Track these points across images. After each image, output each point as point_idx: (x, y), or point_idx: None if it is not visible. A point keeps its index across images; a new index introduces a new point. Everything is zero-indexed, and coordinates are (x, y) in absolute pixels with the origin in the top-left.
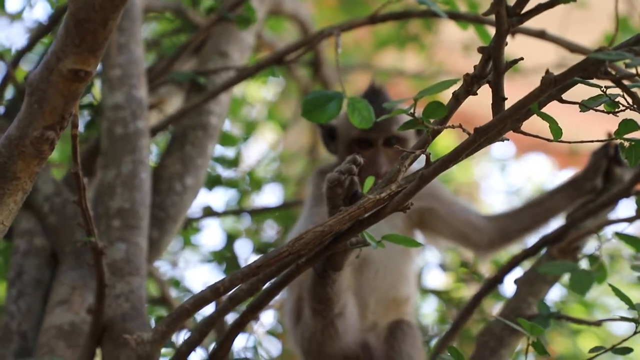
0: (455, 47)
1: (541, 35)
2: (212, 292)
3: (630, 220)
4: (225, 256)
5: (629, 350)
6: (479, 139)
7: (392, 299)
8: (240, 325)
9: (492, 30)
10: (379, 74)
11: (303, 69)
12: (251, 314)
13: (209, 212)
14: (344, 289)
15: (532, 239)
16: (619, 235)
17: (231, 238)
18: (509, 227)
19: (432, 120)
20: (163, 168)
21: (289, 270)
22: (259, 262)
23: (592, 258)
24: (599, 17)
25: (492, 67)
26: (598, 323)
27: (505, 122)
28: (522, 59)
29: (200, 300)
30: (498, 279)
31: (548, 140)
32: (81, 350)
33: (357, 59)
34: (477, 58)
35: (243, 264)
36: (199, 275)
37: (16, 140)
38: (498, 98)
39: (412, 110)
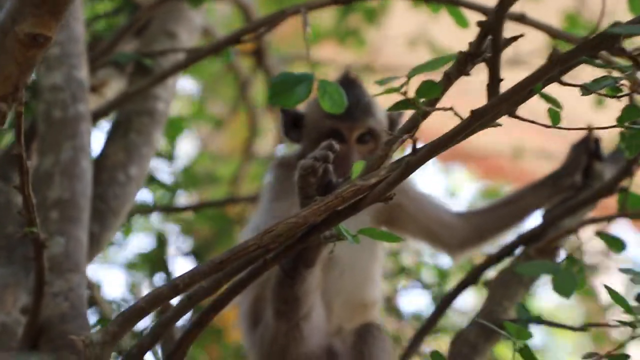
0: (400, 42)
1: (521, 19)
2: (170, 289)
3: (610, 218)
4: (152, 258)
5: (625, 357)
6: (474, 122)
7: (359, 301)
8: (199, 326)
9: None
10: (318, 66)
11: (243, 59)
12: (211, 314)
13: (141, 208)
14: (313, 288)
15: (506, 238)
16: (601, 235)
17: (161, 239)
18: (482, 225)
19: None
20: (105, 157)
21: (255, 266)
22: (223, 257)
23: (571, 259)
24: (550, 13)
25: (491, 43)
26: (583, 328)
27: (503, 104)
28: (522, 35)
29: (157, 297)
30: (470, 280)
31: (546, 126)
32: (14, 353)
33: (296, 50)
34: (423, 54)
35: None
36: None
37: None
38: (494, 79)
39: (404, 89)
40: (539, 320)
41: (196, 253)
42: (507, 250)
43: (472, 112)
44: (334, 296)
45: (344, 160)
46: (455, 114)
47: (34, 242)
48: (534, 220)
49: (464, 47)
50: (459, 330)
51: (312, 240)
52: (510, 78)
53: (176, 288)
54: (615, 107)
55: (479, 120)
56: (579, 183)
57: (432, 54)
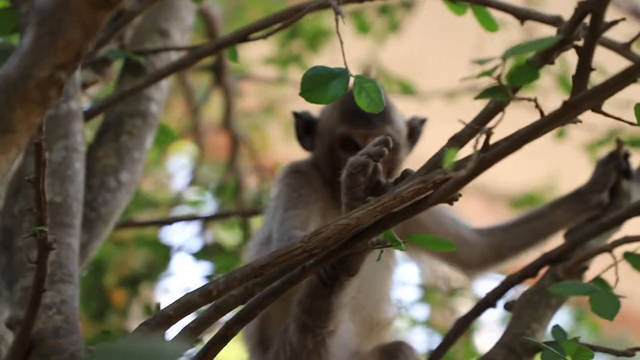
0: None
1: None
2: (203, 296)
3: None
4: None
5: None
6: (567, 112)
7: (376, 320)
8: (224, 339)
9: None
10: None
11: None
12: (237, 326)
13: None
14: (348, 300)
15: (528, 257)
16: (629, 257)
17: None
18: (503, 243)
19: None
20: (95, 160)
21: (293, 273)
22: (265, 261)
23: (601, 280)
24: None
25: (589, 25)
26: (631, 352)
27: (599, 95)
28: (624, 19)
29: (187, 305)
30: (490, 301)
31: (631, 123)
32: None
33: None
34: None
35: None
36: None
37: (16, 82)
38: (585, 67)
39: (497, 73)
40: (580, 343)
41: (132, 281)
42: (531, 271)
43: (565, 102)
44: (351, 314)
45: None
46: (537, 106)
47: (40, 244)
48: (557, 239)
49: (409, 73)
50: (484, 354)
51: (360, 246)
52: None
53: (209, 295)
54: None
55: (571, 110)
56: (606, 201)
57: (383, 79)
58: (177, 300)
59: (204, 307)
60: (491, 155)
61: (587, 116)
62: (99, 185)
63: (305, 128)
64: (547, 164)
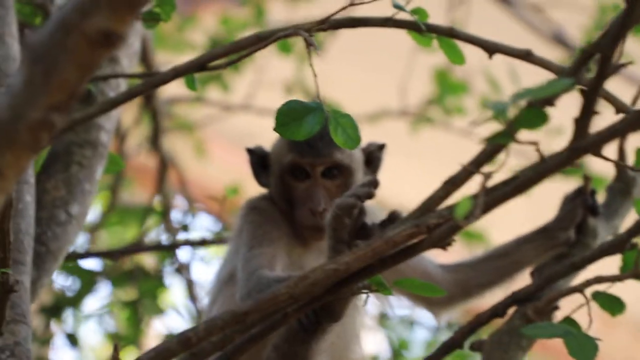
0: (277, 86)
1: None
2: (181, 343)
3: (619, 278)
4: None
5: None
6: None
7: None
8: None
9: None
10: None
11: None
12: None
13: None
14: (327, 346)
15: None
16: (598, 297)
17: None
18: (470, 280)
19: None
20: (44, 192)
21: (274, 319)
22: (248, 307)
23: (571, 320)
24: None
25: (597, 68)
26: None
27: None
28: (631, 63)
29: (164, 353)
30: (457, 341)
31: (631, 168)
32: None
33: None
34: None
35: None
36: None
37: (6, 125)
38: (589, 110)
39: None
40: None
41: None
42: (500, 310)
43: (572, 148)
44: (323, 356)
45: (308, 198)
46: (538, 150)
47: (1, 286)
48: (523, 276)
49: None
50: None
51: (345, 292)
52: None
53: (188, 342)
54: None
55: (578, 157)
56: (573, 239)
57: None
58: (154, 348)
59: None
60: (492, 200)
61: None
62: (48, 218)
63: (260, 163)
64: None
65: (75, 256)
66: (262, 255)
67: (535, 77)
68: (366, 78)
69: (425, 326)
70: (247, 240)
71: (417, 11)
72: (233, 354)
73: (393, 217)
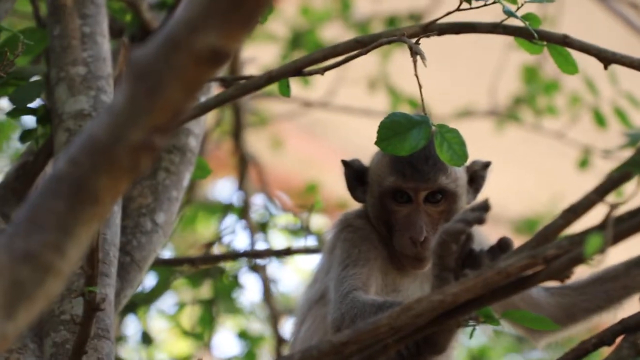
0: (360, 82)
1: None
2: None
3: None
4: None
5: None
6: None
7: None
8: None
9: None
10: None
11: None
12: None
13: None
14: None
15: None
16: None
17: None
18: (575, 305)
19: None
20: (129, 199)
21: (374, 350)
22: (346, 338)
23: None
24: None
25: None
26: None
27: None
28: None
29: None
30: None
31: None
32: None
33: None
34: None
35: None
36: None
37: (104, 145)
38: None
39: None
40: None
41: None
42: (608, 338)
43: None
44: None
45: (410, 225)
46: None
47: (87, 305)
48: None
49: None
50: None
51: (452, 324)
52: None
53: None
54: None
55: None
56: None
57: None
58: None
59: None
60: (618, 233)
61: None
62: (134, 227)
63: (356, 177)
64: (549, 185)
65: (155, 262)
66: (357, 276)
67: (635, 77)
68: (454, 76)
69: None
70: (341, 259)
71: (528, 17)
72: None
73: (504, 245)
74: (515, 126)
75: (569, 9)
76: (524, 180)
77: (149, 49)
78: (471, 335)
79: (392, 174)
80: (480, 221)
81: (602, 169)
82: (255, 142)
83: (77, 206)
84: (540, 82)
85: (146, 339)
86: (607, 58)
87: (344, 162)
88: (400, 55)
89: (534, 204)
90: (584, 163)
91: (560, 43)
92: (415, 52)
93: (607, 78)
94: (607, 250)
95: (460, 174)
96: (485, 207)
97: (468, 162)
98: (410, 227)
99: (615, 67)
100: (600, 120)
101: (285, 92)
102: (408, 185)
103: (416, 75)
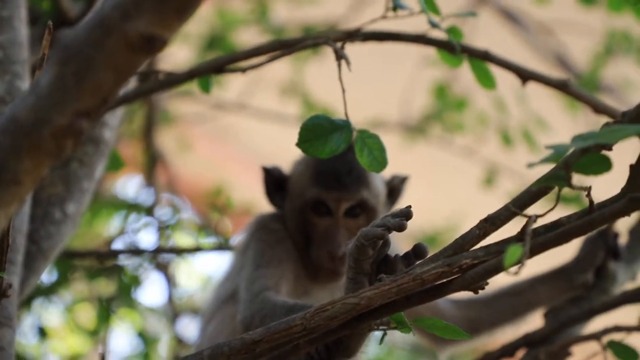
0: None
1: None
2: None
3: (637, 329)
4: None
5: None
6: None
7: None
8: None
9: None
10: None
11: None
12: None
13: None
14: None
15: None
16: (614, 346)
17: None
18: (480, 318)
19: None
20: (40, 188)
21: (283, 350)
22: (259, 336)
23: None
24: None
25: None
26: None
27: None
28: None
29: None
30: None
31: None
32: None
33: None
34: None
35: None
36: None
37: (28, 127)
38: None
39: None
40: None
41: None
42: (509, 350)
43: (631, 198)
44: None
45: (329, 239)
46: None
47: None
48: (536, 318)
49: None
50: None
51: (364, 327)
52: None
53: None
54: None
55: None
56: (591, 282)
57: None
58: None
59: None
60: (534, 246)
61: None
62: (43, 216)
63: (275, 184)
64: (449, 200)
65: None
66: (269, 277)
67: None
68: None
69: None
70: (253, 258)
71: (451, 30)
72: None
73: (419, 252)
74: (423, 141)
75: (482, 29)
76: (427, 194)
77: (78, 32)
78: (381, 341)
79: (315, 185)
80: (401, 228)
81: (506, 187)
82: (165, 142)
83: None
84: (449, 100)
85: (42, 333)
86: (525, 75)
87: (265, 169)
88: (314, 64)
89: (436, 218)
90: (489, 181)
91: (482, 57)
92: (340, 57)
93: (515, 100)
94: (525, 262)
95: (380, 188)
96: (406, 214)
97: (388, 176)
98: (328, 241)
99: (525, 89)
100: (506, 139)
101: (206, 89)
102: (330, 196)
103: (340, 80)
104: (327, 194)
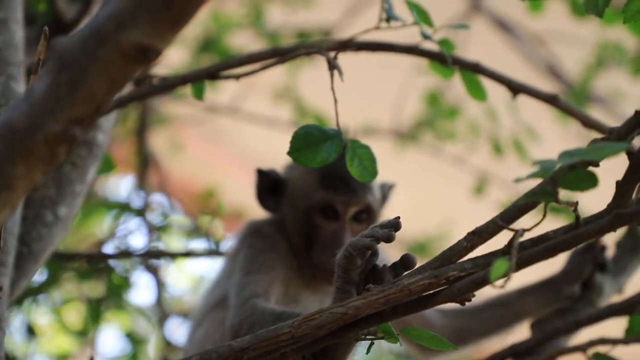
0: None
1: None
2: None
3: (626, 341)
4: None
5: None
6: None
7: None
8: None
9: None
10: None
11: None
12: None
13: None
14: None
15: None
16: (598, 358)
17: None
18: (467, 328)
19: None
20: (32, 190)
21: (271, 357)
22: (246, 344)
23: None
24: None
25: None
26: None
27: None
28: None
29: None
30: None
31: None
32: None
33: None
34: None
35: None
36: None
37: (22, 133)
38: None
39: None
40: None
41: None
42: None
43: (617, 214)
44: None
45: (336, 242)
46: (575, 210)
47: None
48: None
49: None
50: None
51: (349, 337)
52: None
53: None
54: None
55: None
56: (578, 294)
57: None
58: None
59: None
60: (520, 260)
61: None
62: (34, 217)
63: (269, 187)
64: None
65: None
66: (258, 283)
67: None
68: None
69: None
70: (244, 264)
71: (443, 42)
72: None
73: (406, 262)
74: (414, 148)
75: (474, 39)
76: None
77: (74, 40)
78: (369, 350)
79: (323, 188)
80: (389, 239)
81: (496, 196)
82: (158, 143)
83: None
84: (442, 108)
85: (31, 333)
86: (515, 88)
87: (260, 171)
88: (307, 70)
89: (427, 226)
90: (479, 189)
91: (473, 70)
92: (332, 67)
93: (506, 110)
94: (511, 276)
95: (378, 194)
96: (395, 225)
97: (378, 184)
98: (335, 244)
99: (516, 101)
100: (497, 149)
101: (199, 95)
102: (340, 200)
103: (332, 90)
104: (337, 197)
